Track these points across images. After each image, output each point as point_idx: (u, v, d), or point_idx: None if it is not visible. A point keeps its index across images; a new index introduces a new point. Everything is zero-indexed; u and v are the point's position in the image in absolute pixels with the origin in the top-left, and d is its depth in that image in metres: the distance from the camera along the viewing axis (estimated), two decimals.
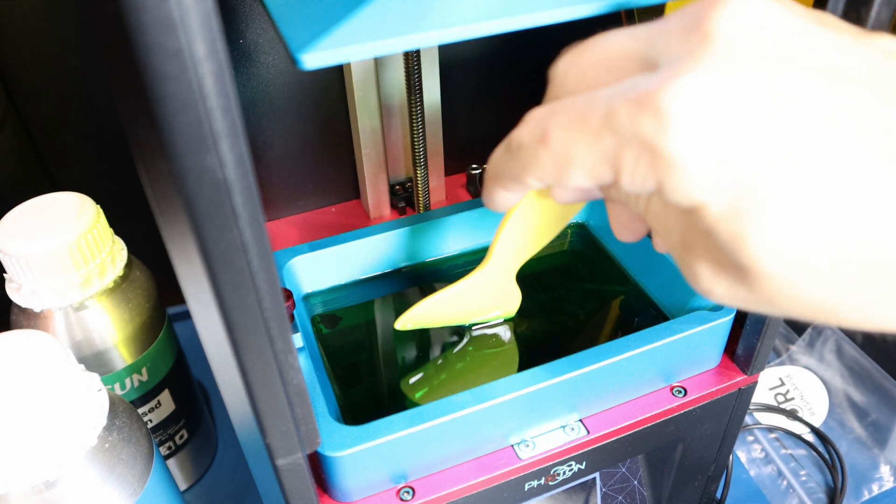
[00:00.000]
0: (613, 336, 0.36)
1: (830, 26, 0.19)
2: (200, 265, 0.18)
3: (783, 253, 0.18)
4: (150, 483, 0.31)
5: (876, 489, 0.47)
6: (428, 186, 0.42)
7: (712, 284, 0.20)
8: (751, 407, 0.52)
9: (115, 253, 0.37)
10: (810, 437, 0.50)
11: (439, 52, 0.41)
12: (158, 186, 0.18)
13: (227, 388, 0.23)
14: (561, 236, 0.42)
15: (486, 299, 0.35)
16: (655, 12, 0.38)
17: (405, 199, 0.45)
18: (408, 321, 0.34)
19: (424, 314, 0.34)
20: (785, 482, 0.48)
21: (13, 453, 0.26)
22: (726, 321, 0.32)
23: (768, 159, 0.17)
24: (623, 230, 0.26)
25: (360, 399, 0.33)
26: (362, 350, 0.36)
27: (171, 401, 0.42)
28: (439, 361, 0.35)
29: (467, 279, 0.33)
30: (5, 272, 0.35)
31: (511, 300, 0.36)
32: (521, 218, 0.31)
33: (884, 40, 0.18)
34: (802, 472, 0.48)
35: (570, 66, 0.22)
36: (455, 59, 0.45)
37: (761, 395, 0.53)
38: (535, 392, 0.29)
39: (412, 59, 0.37)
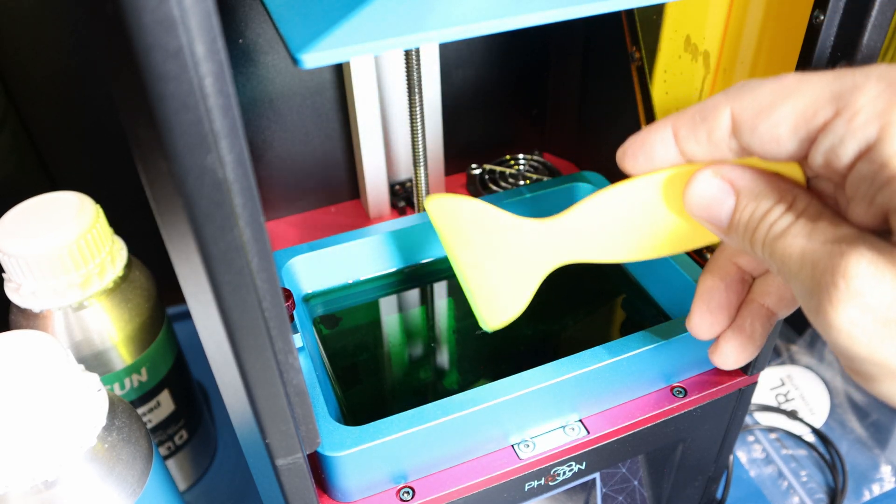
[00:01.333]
0: (613, 336, 0.36)
1: None
2: (200, 265, 0.18)
3: None
4: (150, 483, 0.31)
5: (877, 490, 0.47)
6: (428, 186, 0.42)
7: (871, 284, 0.18)
8: (751, 407, 0.52)
9: (114, 253, 0.37)
10: (811, 438, 0.50)
11: (439, 52, 0.41)
12: (158, 186, 0.18)
13: (227, 388, 0.23)
14: None
15: (505, 264, 0.28)
16: (655, 12, 0.38)
17: (405, 199, 0.45)
18: (438, 205, 0.29)
19: (453, 211, 0.29)
20: (785, 483, 0.48)
21: (13, 453, 0.26)
22: None
23: None
24: (706, 315, 0.25)
25: (360, 399, 0.33)
26: (362, 350, 0.36)
27: (171, 401, 0.42)
28: (438, 362, 0.35)
29: (518, 217, 0.28)
30: (4, 272, 0.35)
31: (506, 305, 0.29)
32: (631, 198, 0.25)
33: None
34: (803, 473, 0.48)
35: None
36: (455, 59, 0.45)
37: (762, 396, 0.53)
38: (535, 392, 0.29)
39: (412, 59, 0.37)
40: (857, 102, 0.18)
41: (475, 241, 0.29)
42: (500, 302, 0.29)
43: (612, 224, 0.26)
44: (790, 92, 0.20)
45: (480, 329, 0.32)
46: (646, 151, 0.24)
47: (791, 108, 0.20)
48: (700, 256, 0.38)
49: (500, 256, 0.29)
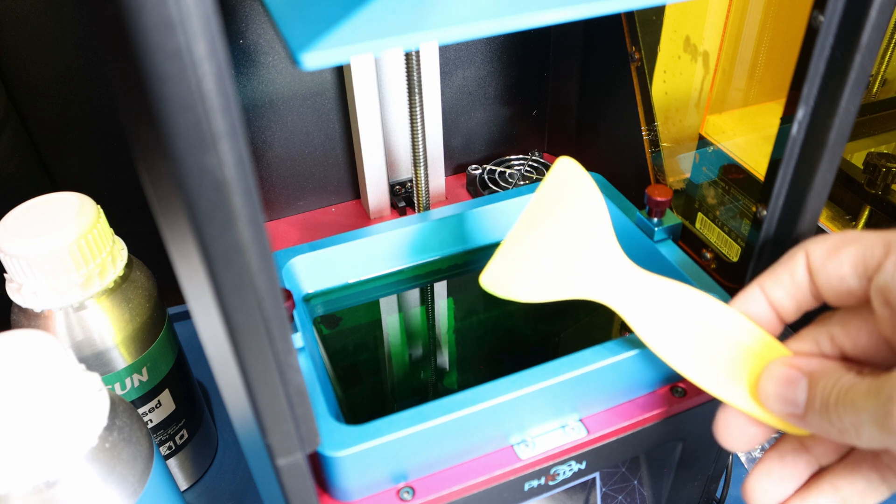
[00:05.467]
0: (613, 336, 0.36)
1: None
2: (200, 265, 0.18)
3: None
4: (151, 483, 0.31)
5: None
6: (428, 186, 0.42)
7: None
8: None
9: (115, 253, 0.37)
10: None
11: (439, 52, 0.41)
12: (158, 186, 0.18)
13: (227, 388, 0.23)
14: None
15: (556, 256, 0.28)
16: (655, 13, 0.38)
17: (405, 199, 0.45)
18: (566, 165, 0.28)
19: (571, 180, 0.28)
20: None
21: (14, 453, 0.26)
22: None
23: None
24: (763, 484, 0.26)
25: (360, 399, 0.33)
26: (362, 350, 0.36)
27: (172, 401, 0.42)
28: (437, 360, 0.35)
29: (612, 236, 0.28)
30: (6, 272, 0.35)
31: (517, 284, 0.28)
32: (715, 318, 0.27)
33: None
34: None
35: None
36: (455, 59, 0.45)
37: None
38: (535, 392, 0.29)
39: (412, 60, 0.37)
40: None
41: (559, 220, 0.28)
42: (518, 278, 0.28)
43: (679, 320, 0.27)
44: (851, 240, 0.24)
45: (478, 329, 0.32)
46: (739, 306, 0.27)
47: (852, 251, 0.24)
48: (700, 256, 0.38)
49: (564, 249, 0.28)
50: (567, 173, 0.29)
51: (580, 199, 0.28)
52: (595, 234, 0.28)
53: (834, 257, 0.24)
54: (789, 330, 0.28)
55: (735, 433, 0.27)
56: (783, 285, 0.26)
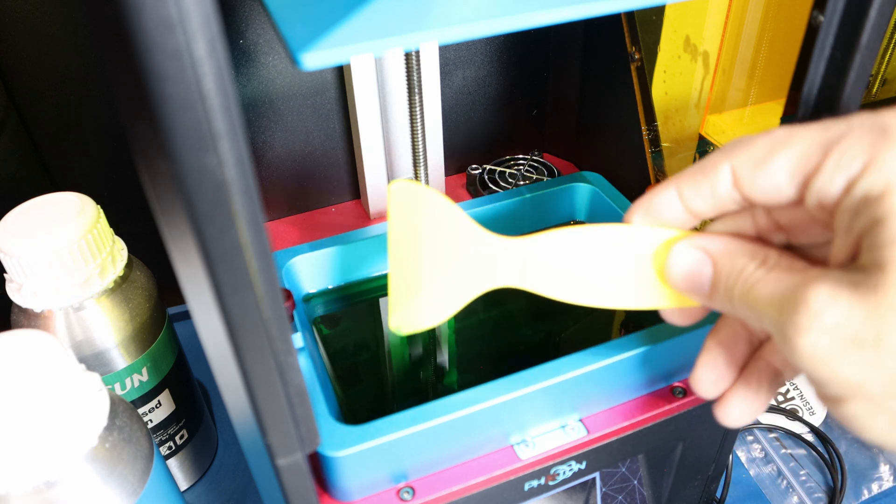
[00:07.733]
0: (613, 336, 0.36)
1: None
2: (200, 265, 0.18)
3: None
4: (151, 483, 0.31)
5: (875, 489, 0.47)
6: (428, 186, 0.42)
7: (828, 306, 0.19)
8: None
9: (115, 253, 0.37)
10: (810, 437, 0.50)
11: (439, 52, 0.41)
12: (158, 186, 0.18)
13: (227, 388, 0.23)
14: None
15: (444, 270, 0.27)
16: (655, 13, 0.38)
17: None
18: (402, 189, 0.26)
19: (415, 201, 0.26)
20: (785, 482, 0.48)
21: (14, 453, 0.26)
22: None
23: None
24: (710, 372, 0.26)
25: (360, 399, 0.33)
26: (362, 350, 0.36)
27: (172, 401, 0.42)
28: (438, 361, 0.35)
29: (479, 226, 0.27)
30: (6, 272, 0.35)
31: (425, 313, 0.27)
32: (605, 243, 0.26)
33: None
34: (802, 472, 0.48)
35: None
36: (455, 59, 0.45)
37: None
38: (535, 392, 0.29)
39: (412, 60, 0.37)
40: (843, 145, 0.21)
41: (422, 239, 0.27)
42: (420, 308, 0.27)
43: (576, 262, 0.26)
44: (782, 144, 0.22)
45: (478, 329, 0.32)
46: (652, 213, 0.25)
47: (786, 158, 0.22)
48: None
49: (441, 261, 0.27)
50: (404, 194, 0.27)
51: (427, 209, 0.27)
52: (458, 230, 0.27)
53: (765, 167, 0.22)
54: None
55: (707, 377, 0.26)
56: (702, 196, 0.24)
